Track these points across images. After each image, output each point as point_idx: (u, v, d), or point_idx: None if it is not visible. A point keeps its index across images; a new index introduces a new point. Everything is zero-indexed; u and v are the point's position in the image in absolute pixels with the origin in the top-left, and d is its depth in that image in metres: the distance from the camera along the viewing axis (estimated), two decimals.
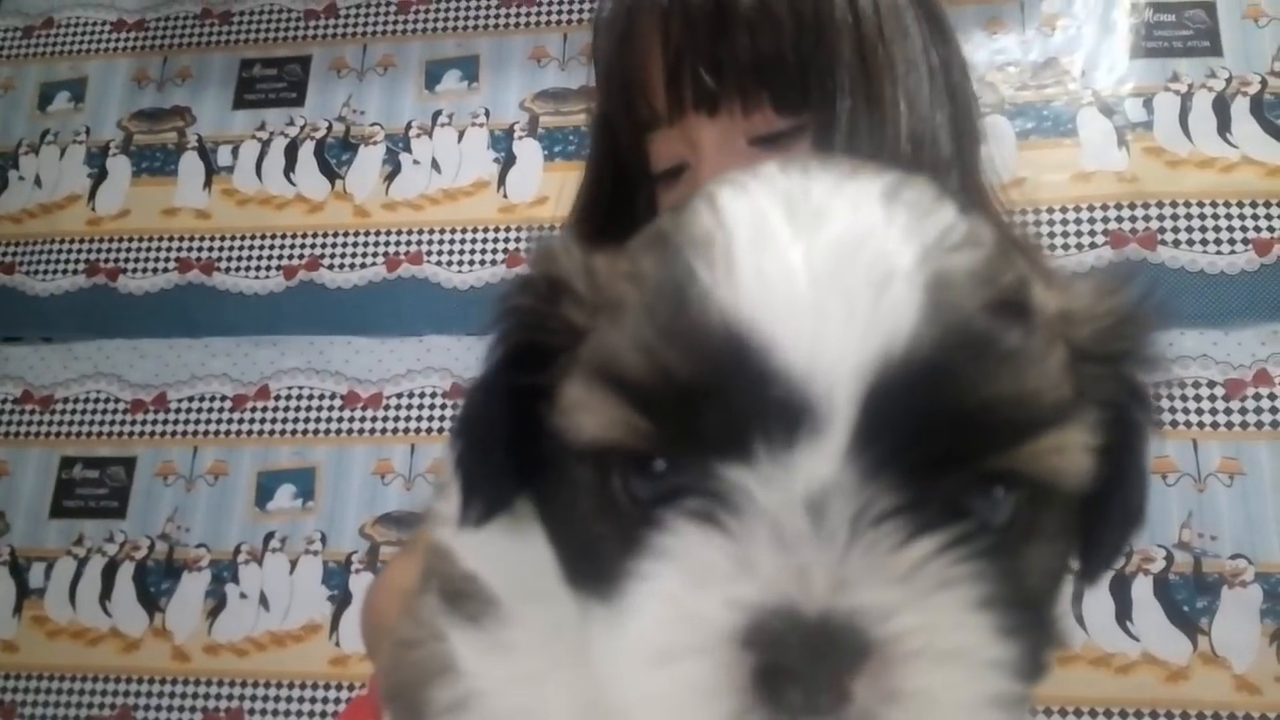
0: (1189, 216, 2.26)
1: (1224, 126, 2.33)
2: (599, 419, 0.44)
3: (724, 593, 0.40)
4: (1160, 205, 2.27)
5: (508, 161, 2.53)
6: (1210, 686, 1.98)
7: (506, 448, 0.50)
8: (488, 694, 0.56)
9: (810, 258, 0.42)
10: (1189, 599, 2.03)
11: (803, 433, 0.40)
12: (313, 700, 2.20)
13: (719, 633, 0.40)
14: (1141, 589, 2.02)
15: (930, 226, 0.44)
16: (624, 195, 1.07)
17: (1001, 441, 0.42)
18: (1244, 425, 2.12)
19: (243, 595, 2.30)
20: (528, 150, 2.54)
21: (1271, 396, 2.13)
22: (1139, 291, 0.50)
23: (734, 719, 0.40)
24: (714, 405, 0.41)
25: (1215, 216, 2.25)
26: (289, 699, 2.20)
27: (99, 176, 2.68)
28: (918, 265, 0.42)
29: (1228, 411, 2.12)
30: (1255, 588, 2.02)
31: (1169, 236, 2.24)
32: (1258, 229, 2.24)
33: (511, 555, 0.53)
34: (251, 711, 2.20)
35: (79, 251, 2.62)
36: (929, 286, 0.41)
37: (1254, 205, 2.26)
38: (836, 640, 0.39)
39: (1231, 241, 2.24)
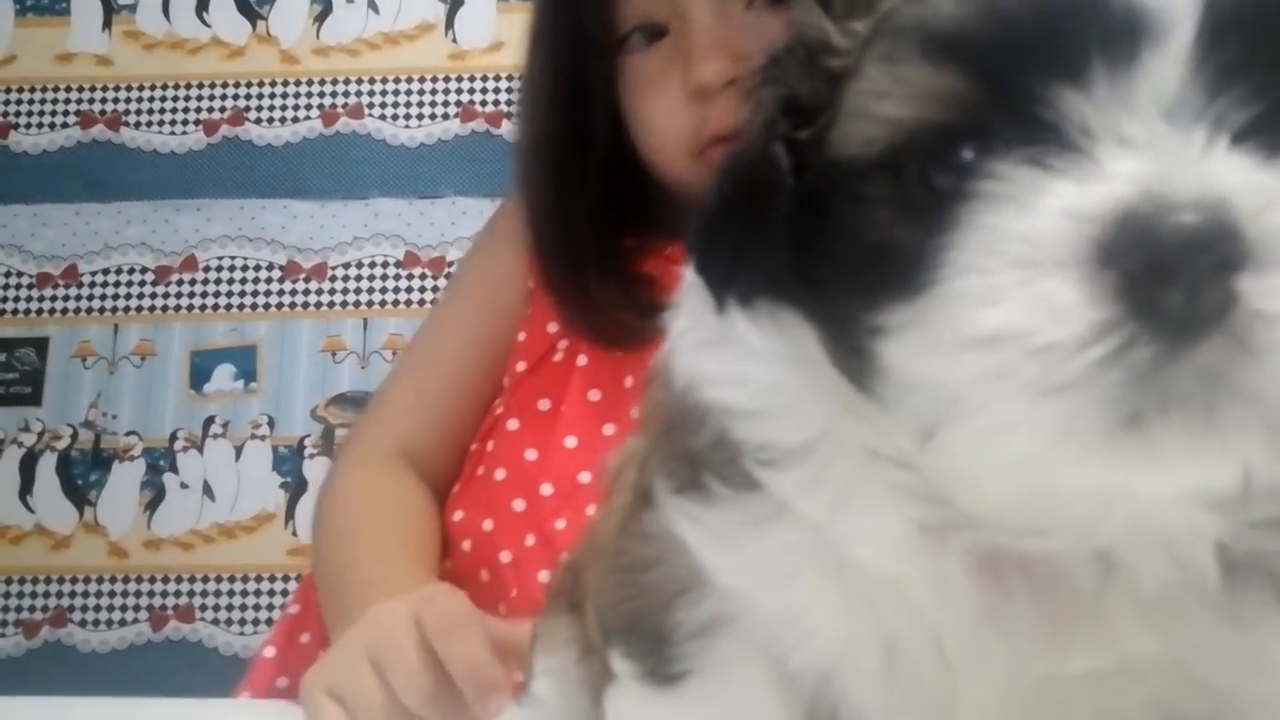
0: None
1: None
2: (904, 95, 0.42)
3: (1065, 203, 0.37)
4: None
5: (456, 1, 2.26)
6: None
7: (787, 200, 0.47)
8: (745, 602, 0.52)
9: None
10: None
11: (1144, 46, 0.38)
12: (270, 593, 2.05)
13: (1068, 245, 0.37)
14: None
15: None
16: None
17: None
18: None
19: (183, 485, 2.11)
20: None
21: None
22: None
23: (1105, 330, 0.36)
24: (1043, 33, 0.39)
25: None
26: (244, 593, 2.06)
27: None
28: None
29: None
30: None
31: None
32: None
33: (765, 367, 0.50)
34: (204, 608, 2.05)
35: None
36: None
37: None
38: (1212, 232, 0.35)
39: None
